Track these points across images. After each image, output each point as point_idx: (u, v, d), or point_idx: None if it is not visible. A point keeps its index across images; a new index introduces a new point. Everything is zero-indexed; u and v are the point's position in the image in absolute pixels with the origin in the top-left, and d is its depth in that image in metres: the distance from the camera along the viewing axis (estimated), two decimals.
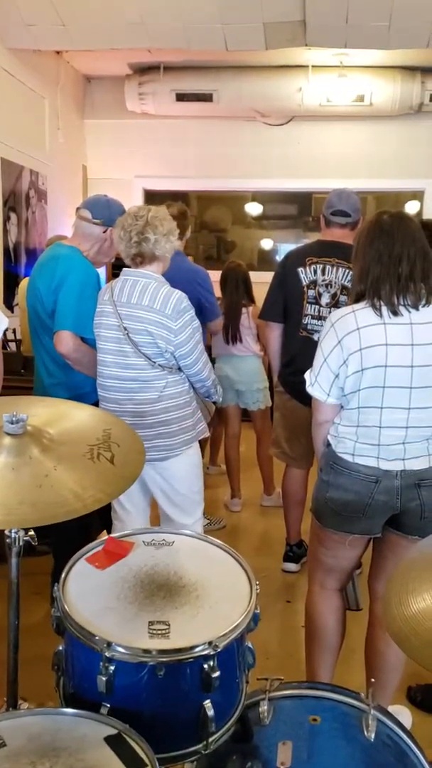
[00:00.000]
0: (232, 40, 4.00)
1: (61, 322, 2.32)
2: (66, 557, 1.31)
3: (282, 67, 5.33)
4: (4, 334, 3.99)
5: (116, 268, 5.88)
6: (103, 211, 2.48)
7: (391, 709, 1.85)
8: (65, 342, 2.30)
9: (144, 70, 5.56)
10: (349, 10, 3.62)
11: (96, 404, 2.26)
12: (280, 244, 6.36)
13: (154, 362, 2.14)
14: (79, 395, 2.35)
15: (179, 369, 2.20)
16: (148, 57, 5.22)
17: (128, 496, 2.26)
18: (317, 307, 2.90)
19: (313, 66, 5.25)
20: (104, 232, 2.50)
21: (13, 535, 1.23)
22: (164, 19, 3.83)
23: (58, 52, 5.23)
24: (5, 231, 4.49)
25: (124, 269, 2.23)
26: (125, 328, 2.13)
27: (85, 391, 2.43)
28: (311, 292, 2.91)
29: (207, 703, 1.11)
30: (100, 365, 2.22)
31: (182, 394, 2.21)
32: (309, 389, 1.85)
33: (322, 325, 2.83)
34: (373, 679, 1.85)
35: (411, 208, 5.99)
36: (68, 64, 5.54)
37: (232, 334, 3.88)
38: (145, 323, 2.12)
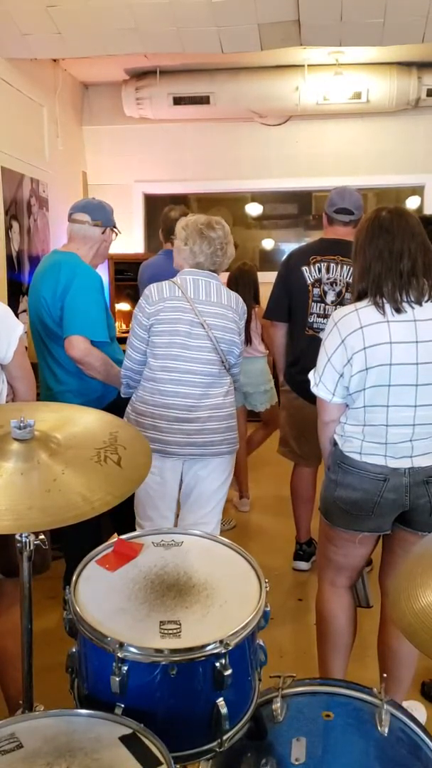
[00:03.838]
0: (227, 42, 4.01)
1: (70, 326, 2.33)
2: (77, 560, 1.32)
3: (278, 67, 5.34)
4: None
5: (119, 273, 5.92)
6: (101, 213, 2.52)
7: (405, 704, 1.85)
8: (77, 346, 2.32)
9: (140, 75, 5.58)
10: (343, 8, 3.62)
11: (107, 409, 2.27)
12: (281, 244, 6.36)
13: (226, 359, 2.25)
14: (90, 401, 2.36)
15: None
16: (144, 62, 5.24)
17: (166, 499, 2.30)
18: (323, 305, 2.91)
19: (309, 65, 5.26)
20: (103, 233, 2.52)
21: (23, 539, 1.24)
22: (158, 23, 3.84)
23: (54, 60, 5.26)
24: (8, 239, 4.52)
25: (186, 269, 2.26)
26: (208, 325, 2.18)
27: (95, 396, 2.44)
28: (316, 291, 2.91)
29: (220, 701, 1.12)
30: (174, 360, 2.19)
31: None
32: (314, 389, 1.85)
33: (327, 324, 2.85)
34: (385, 674, 1.85)
35: (412, 203, 5.99)
36: (65, 72, 5.57)
37: (245, 336, 3.89)
38: (227, 320, 2.24)
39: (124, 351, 2.63)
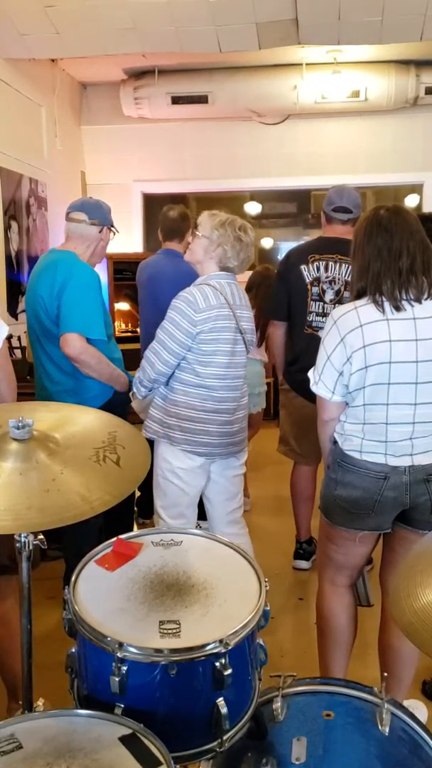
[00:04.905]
0: (225, 41, 4.01)
1: (66, 324, 2.33)
2: (76, 560, 1.32)
3: (276, 66, 5.34)
4: (10, 341, 4.02)
5: (117, 272, 5.91)
6: (98, 212, 2.51)
7: (406, 703, 1.85)
8: (72, 344, 2.31)
9: (139, 74, 5.58)
10: (341, 7, 3.62)
11: (103, 408, 2.25)
12: (280, 243, 6.37)
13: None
14: (85, 400, 2.35)
15: None
16: (143, 61, 5.24)
17: (198, 497, 2.37)
18: (321, 304, 2.91)
19: (307, 64, 5.26)
20: (100, 232, 2.52)
21: (22, 539, 1.24)
22: (156, 23, 3.84)
23: (53, 60, 5.26)
24: (7, 239, 4.51)
25: (218, 272, 2.25)
26: (243, 329, 2.26)
27: (91, 395, 2.43)
28: (315, 290, 2.91)
29: (220, 701, 1.12)
30: (226, 368, 2.23)
31: None
32: (313, 388, 1.85)
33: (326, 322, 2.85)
34: (386, 673, 1.85)
35: (410, 201, 5.99)
36: (64, 72, 5.57)
37: (261, 339, 3.90)
38: (252, 323, 2.35)
39: (122, 350, 2.63)
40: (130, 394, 2.39)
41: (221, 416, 2.25)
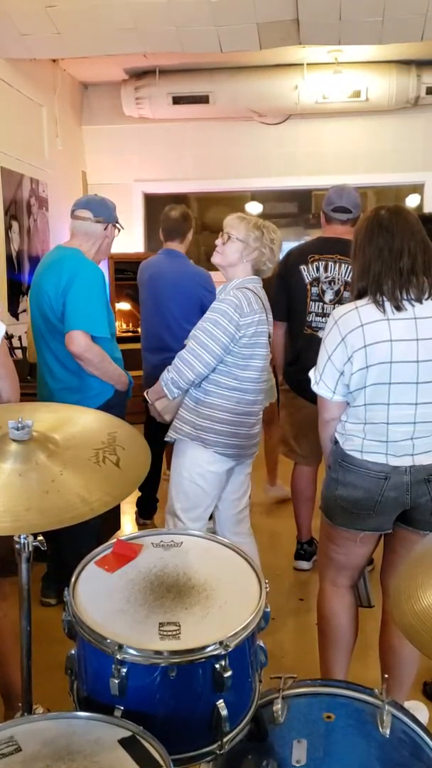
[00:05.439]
0: (226, 41, 4.01)
1: (72, 322, 2.33)
2: (75, 561, 1.32)
3: (277, 66, 5.34)
4: (11, 341, 4.02)
5: (119, 272, 5.91)
6: (102, 210, 2.51)
7: (407, 704, 1.85)
8: (77, 341, 2.31)
9: (140, 74, 5.58)
10: (341, 7, 3.62)
11: (103, 407, 2.25)
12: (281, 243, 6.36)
13: None
14: (86, 398, 2.36)
15: None
16: (144, 61, 5.24)
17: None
18: (321, 304, 2.90)
19: (308, 64, 5.25)
20: (105, 229, 2.52)
21: (22, 540, 1.23)
22: (157, 23, 3.84)
23: (54, 60, 5.26)
24: (7, 239, 4.52)
25: (252, 276, 2.25)
26: (269, 333, 2.28)
27: (92, 394, 2.43)
28: (314, 290, 2.90)
29: (220, 703, 1.11)
30: (261, 371, 2.27)
31: None
32: (314, 387, 1.85)
33: (326, 322, 2.85)
34: (386, 675, 1.84)
35: (411, 201, 5.98)
36: (65, 72, 5.57)
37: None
38: (272, 326, 2.33)
39: (123, 350, 2.63)
40: (145, 393, 2.36)
41: (250, 418, 2.27)
